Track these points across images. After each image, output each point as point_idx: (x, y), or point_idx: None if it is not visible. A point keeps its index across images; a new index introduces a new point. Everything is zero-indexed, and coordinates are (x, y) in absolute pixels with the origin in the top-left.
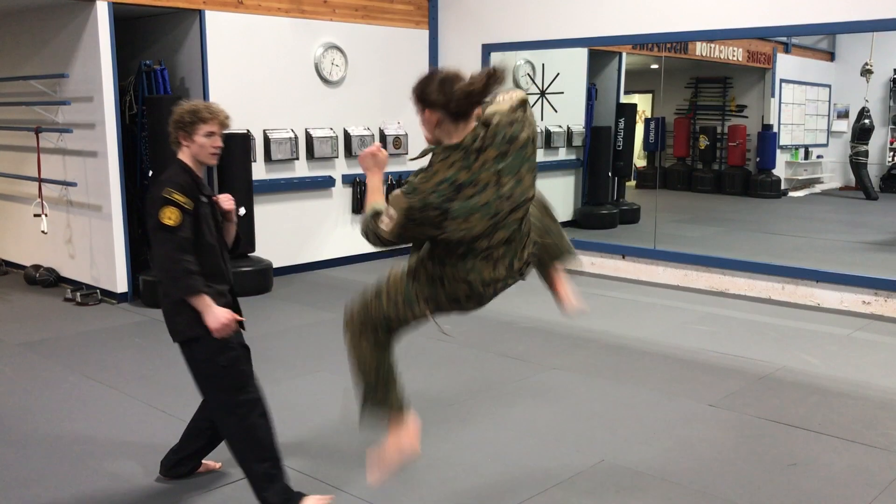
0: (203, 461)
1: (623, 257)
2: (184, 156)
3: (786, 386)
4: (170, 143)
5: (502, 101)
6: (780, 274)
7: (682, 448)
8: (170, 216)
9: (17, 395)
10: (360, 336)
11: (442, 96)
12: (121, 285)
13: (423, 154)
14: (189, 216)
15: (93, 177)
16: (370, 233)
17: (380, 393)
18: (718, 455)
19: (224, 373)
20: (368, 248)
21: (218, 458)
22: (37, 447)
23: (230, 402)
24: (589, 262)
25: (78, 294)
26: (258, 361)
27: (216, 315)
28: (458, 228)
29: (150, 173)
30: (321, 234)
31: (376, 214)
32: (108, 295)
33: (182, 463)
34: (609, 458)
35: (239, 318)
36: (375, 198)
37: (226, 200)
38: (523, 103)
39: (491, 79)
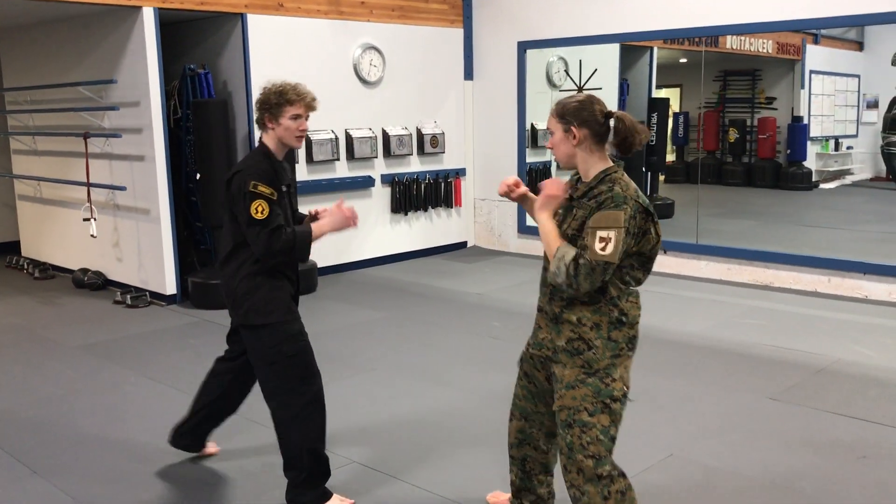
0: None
1: (664, 252)
2: (268, 139)
3: (844, 378)
4: (255, 123)
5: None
6: (826, 266)
7: (748, 441)
8: (259, 209)
9: (83, 396)
10: (608, 488)
11: (601, 119)
12: (170, 287)
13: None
14: (276, 206)
15: (140, 180)
16: (583, 274)
17: None
18: (786, 448)
19: (290, 362)
20: (408, 246)
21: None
22: (111, 448)
23: (290, 391)
24: None
25: (128, 297)
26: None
27: (337, 223)
28: (654, 235)
29: (199, 176)
30: (361, 233)
31: (574, 257)
32: (157, 297)
33: (185, 435)
34: (677, 453)
35: (354, 214)
36: (557, 241)
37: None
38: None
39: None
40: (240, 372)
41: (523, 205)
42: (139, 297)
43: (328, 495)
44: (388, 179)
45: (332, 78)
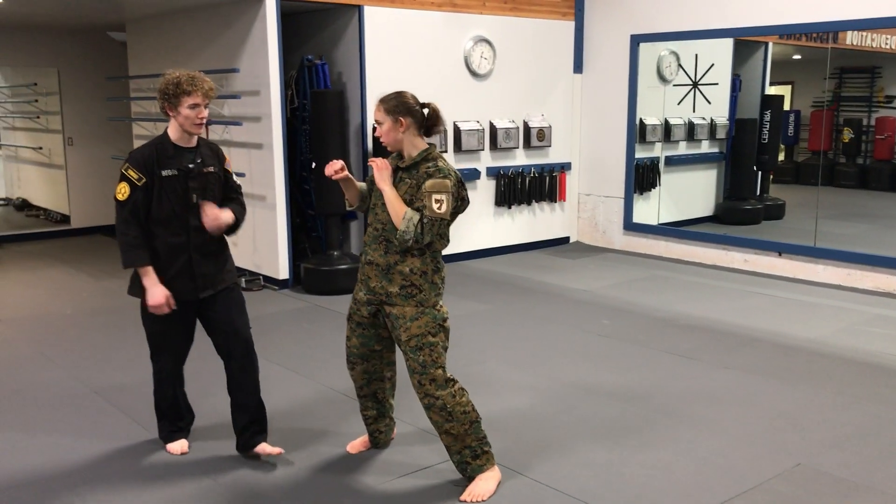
0: (264, 445)
1: (779, 255)
2: (171, 127)
3: None
4: (160, 112)
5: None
6: None
7: (881, 455)
8: (121, 190)
9: (203, 375)
10: (454, 388)
11: (419, 109)
12: (283, 272)
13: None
14: (139, 191)
15: (258, 168)
16: (426, 230)
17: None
18: None
19: (148, 335)
20: (511, 240)
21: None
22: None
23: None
24: (742, 258)
25: (242, 280)
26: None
27: (152, 294)
28: (464, 201)
29: (314, 165)
30: (465, 225)
31: (418, 217)
32: (270, 281)
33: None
34: (805, 462)
35: (172, 305)
36: (403, 207)
37: (211, 220)
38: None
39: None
40: (229, 354)
41: (344, 186)
42: (253, 281)
43: (173, 438)
44: (493, 172)
45: (442, 70)
